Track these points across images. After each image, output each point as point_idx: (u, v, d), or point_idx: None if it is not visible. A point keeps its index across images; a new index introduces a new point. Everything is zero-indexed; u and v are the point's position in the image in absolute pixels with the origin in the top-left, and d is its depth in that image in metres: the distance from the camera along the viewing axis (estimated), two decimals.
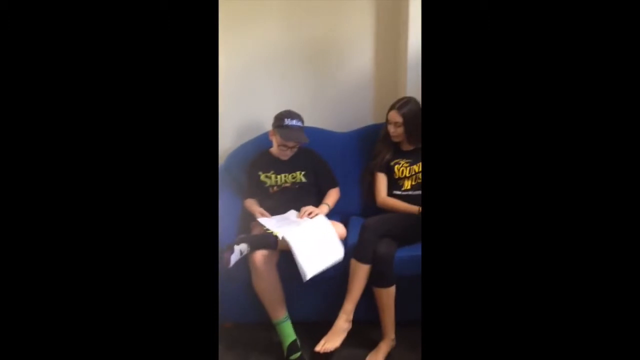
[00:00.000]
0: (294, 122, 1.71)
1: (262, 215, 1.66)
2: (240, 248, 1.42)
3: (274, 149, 1.78)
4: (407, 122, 1.67)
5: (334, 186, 1.83)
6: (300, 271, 1.41)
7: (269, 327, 1.55)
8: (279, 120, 1.72)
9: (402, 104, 1.68)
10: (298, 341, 1.51)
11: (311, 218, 1.60)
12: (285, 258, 1.52)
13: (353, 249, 1.50)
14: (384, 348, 1.49)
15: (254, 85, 2.09)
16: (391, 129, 1.71)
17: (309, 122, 1.83)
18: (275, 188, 1.76)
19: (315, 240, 1.48)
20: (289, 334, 1.51)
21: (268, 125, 1.81)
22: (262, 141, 1.90)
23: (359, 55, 2.07)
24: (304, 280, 1.42)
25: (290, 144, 1.71)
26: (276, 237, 1.47)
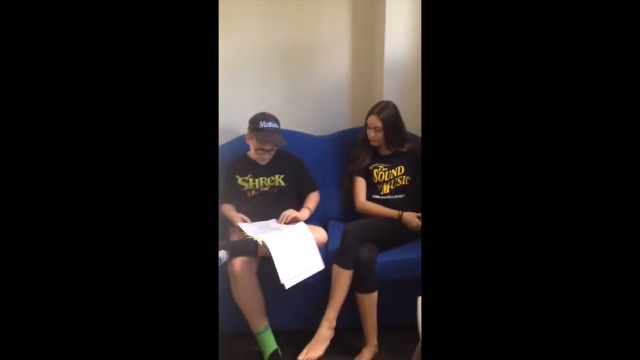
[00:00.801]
0: (270, 125, 1.66)
1: (243, 220, 1.61)
2: (220, 255, 1.36)
3: (252, 153, 1.73)
4: (386, 127, 1.68)
5: (313, 189, 1.81)
6: (280, 279, 1.37)
7: (249, 337, 1.49)
8: (254, 123, 1.67)
9: (381, 108, 1.69)
10: (279, 351, 1.47)
11: (292, 223, 1.56)
12: (265, 265, 1.48)
13: (334, 254, 1.48)
14: (367, 354, 1.48)
15: (231, 89, 2.03)
16: (370, 133, 1.71)
17: (286, 125, 1.80)
18: (253, 192, 1.71)
19: (295, 249, 1.45)
20: (269, 343, 1.47)
21: (244, 128, 1.77)
22: (239, 144, 1.85)
23: (336, 59, 2.07)
24: (286, 288, 1.38)
25: (267, 147, 1.66)
26: (256, 242, 1.42)
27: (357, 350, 1.50)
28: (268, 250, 1.39)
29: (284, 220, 1.58)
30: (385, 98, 1.82)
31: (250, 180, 1.71)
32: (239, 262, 1.41)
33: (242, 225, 1.54)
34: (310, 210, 1.71)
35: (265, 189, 1.71)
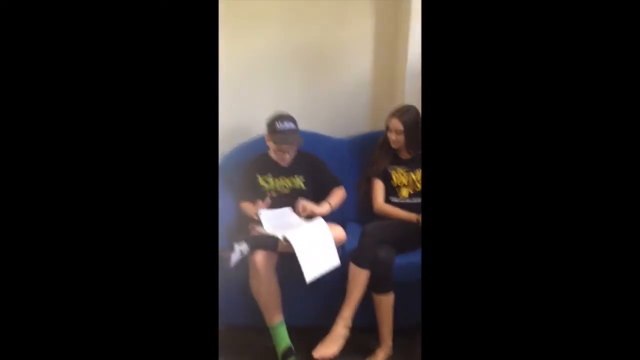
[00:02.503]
0: (286, 126, 1.66)
1: (262, 206, 1.61)
2: (241, 248, 1.38)
3: (272, 153, 1.74)
4: (407, 130, 1.69)
5: (337, 185, 1.79)
6: (305, 274, 1.39)
7: (263, 331, 1.50)
8: (271, 126, 1.67)
9: (403, 111, 1.70)
10: (292, 347, 1.48)
11: (310, 218, 1.56)
12: (283, 261, 1.49)
13: (352, 254, 1.49)
14: (381, 355, 1.48)
15: (251, 88, 2.07)
16: (392, 136, 1.72)
17: (305, 126, 1.81)
18: (273, 194, 1.72)
19: (315, 245, 1.46)
20: (283, 338, 1.47)
21: (264, 128, 1.79)
22: (260, 143, 1.87)
23: (357, 61, 2.09)
24: (307, 282, 1.39)
25: (285, 147, 1.68)
26: (277, 239, 1.44)
27: (371, 351, 1.50)
28: (288, 246, 1.40)
29: (302, 213, 1.57)
30: (407, 102, 1.84)
31: (271, 180, 1.72)
32: (260, 256, 1.43)
33: (261, 212, 1.55)
34: (331, 205, 1.69)
35: (286, 191, 1.72)
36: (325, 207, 1.66)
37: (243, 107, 2.08)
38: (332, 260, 1.47)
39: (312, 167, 1.77)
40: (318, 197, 1.79)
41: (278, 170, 1.73)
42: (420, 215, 1.62)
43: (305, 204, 1.61)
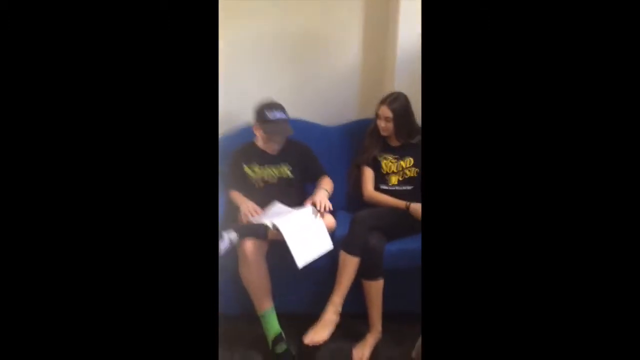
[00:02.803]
0: (277, 115, 1.63)
1: (255, 212, 1.58)
2: (230, 236, 1.37)
3: (259, 142, 1.72)
4: (397, 118, 1.69)
5: (324, 174, 1.77)
6: (296, 260, 1.38)
7: (253, 319, 1.51)
8: (260, 114, 1.64)
9: (393, 99, 1.70)
10: (283, 334, 1.49)
11: (325, 210, 1.52)
12: (273, 248, 1.49)
13: (342, 241, 1.49)
14: (370, 340, 1.49)
15: (239, 76, 2.03)
16: (381, 123, 1.71)
17: (293, 114, 1.79)
18: (261, 184, 1.70)
19: (305, 230, 1.46)
20: (273, 326, 1.48)
21: (252, 116, 1.76)
22: (247, 132, 1.85)
23: (347, 47, 2.07)
24: (299, 267, 1.39)
25: (276, 137, 1.65)
26: (266, 226, 1.43)
27: (361, 336, 1.52)
28: (278, 234, 1.40)
29: (321, 209, 1.52)
30: (397, 89, 1.83)
31: (257, 169, 1.70)
32: (249, 244, 1.42)
33: (252, 220, 1.52)
34: (327, 191, 1.66)
35: (273, 181, 1.70)
36: (323, 193, 1.62)
37: (230, 94, 2.04)
38: (324, 244, 1.48)
39: (299, 155, 1.75)
40: (305, 185, 1.79)
41: (265, 160, 1.71)
42: (409, 203, 1.63)
43: (319, 199, 1.54)
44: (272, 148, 1.69)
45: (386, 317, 1.52)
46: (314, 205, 1.53)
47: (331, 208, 1.55)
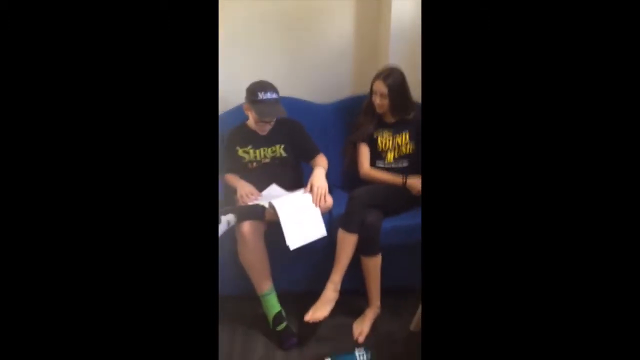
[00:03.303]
0: (268, 96, 1.58)
1: (252, 195, 1.56)
2: (228, 218, 1.37)
3: (251, 123, 1.68)
4: (392, 93, 1.66)
5: (318, 153, 1.75)
6: (287, 240, 1.39)
7: (254, 299, 1.52)
8: (252, 94, 1.59)
9: (387, 74, 1.67)
10: (283, 312, 1.51)
11: (325, 200, 1.51)
12: (271, 229, 1.49)
13: (339, 219, 1.49)
14: (370, 315, 1.52)
15: (229, 55, 1.98)
16: (376, 99, 1.69)
17: (286, 92, 1.76)
18: (254, 164, 1.68)
19: (301, 213, 1.46)
20: (273, 305, 1.50)
21: (243, 97, 1.72)
22: (239, 114, 1.82)
23: (339, 23, 2.02)
24: (291, 249, 1.40)
25: (268, 119, 1.62)
26: (263, 207, 1.42)
27: (360, 312, 1.54)
28: (275, 215, 1.40)
29: (323, 206, 1.50)
30: (391, 64, 1.79)
31: (251, 151, 1.68)
32: (247, 225, 1.42)
33: (250, 203, 1.51)
34: (324, 167, 1.64)
35: (267, 160, 1.68)
36: (320, 171, 1.61)
37: (221, 74, 1.99)
38: (318, 231, 1.47)
39: (292, 133, 1.72)
40: (299, 162, 1.77)
41: (258, 141, 1.68)
42: (406, 178, 1.63)
43: (317, 186, 1.51)
44: (264, 129, 1.66)
45: (384, 292, 1.55)
46: (312, 191, 1.51)
47: (329, 200, 1.53)
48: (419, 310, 1.47)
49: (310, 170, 1.65)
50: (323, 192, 1.51)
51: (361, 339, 1.47)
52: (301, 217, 1.45)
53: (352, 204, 1.48)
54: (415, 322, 1.49)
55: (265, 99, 1.57)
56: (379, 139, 1.74)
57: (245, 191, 1.56)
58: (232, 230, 1.44)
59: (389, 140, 1.73)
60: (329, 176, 1.75)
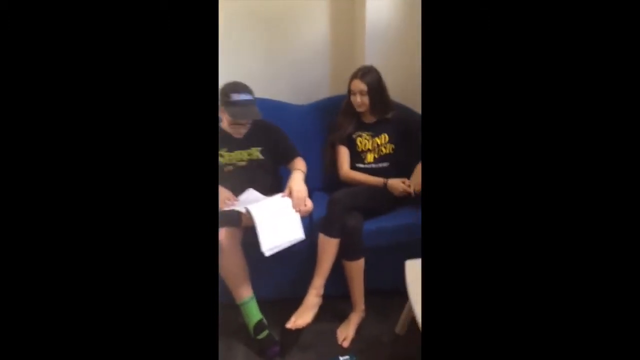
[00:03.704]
0: (242, 97, 1.52)
1: (229, 201, 1.51)
2: None
3: (225, 126, 1.61)
4: (371, 91, 1.64)
5: (298, 155, 1.69)
6: (261, 247, 1.34)
7: (233, 307, 1.46)
8: (225, 95, 1.52)
9: (365, 72, 1.65)
10: (264, 320, 1.45)
11: (305, 204, 1.47)
12: (249, 235, 1.44)
13: (320, 223, 1.46)
14: (354, 319, 1.49)
15: None
16: (356, 99, 1.66)
17: (262, 93, 1.71)
18: (230, 167, 1.62)
19: (278, 217, 1.41)
20: (254, 313, 1.44)
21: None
22: None
23: (315, 23, 2.00)
24: (265, 255, 1.35)
25: (242, 121, 1.56)
26: (239, 213, 1.37)
27: (345, 316, 1.51)
28: (251, 219, 1.35)
29: (298, 205, 1.46)
30: (367, 64, 1.78)
31: (226, 154, 1.61)
32: (223, 233, 1.37)
33: (226, 209, 1.45)
34: (302, 171, 1.60)
35: (243, 163, 1.62)
36: (299, 175, 1.56)
37: None
38: (295, 234, 1.43)
39: (268, 135, 1.66)
40: (277, 166, 1.72)
41: (233, 144, 1.62)
42: (387, 179, 1.61)
43: (296, 189, 1.48)
44: (239, 132, 1.59)
45: (369, 294, 1.52)
46: (290, 195, 1.47)
47: (309, 204, 1.49)
48: (405, 312, 1.44)
49: (288, 174, 1.61)
50: (302, 196, 1.47)
51: (346, 344, 1.43)
52: (278, 221, 1.40)
53: (332, 208, 1.44)
54: (401, 324, 1.47)
55: (238, 101, 1.52)
56: (358, 139, 1.72)
57: (222, 197, 1.50)
58: None
59: (369, 141, 1.71)
60: (308, 179, 1.72)
